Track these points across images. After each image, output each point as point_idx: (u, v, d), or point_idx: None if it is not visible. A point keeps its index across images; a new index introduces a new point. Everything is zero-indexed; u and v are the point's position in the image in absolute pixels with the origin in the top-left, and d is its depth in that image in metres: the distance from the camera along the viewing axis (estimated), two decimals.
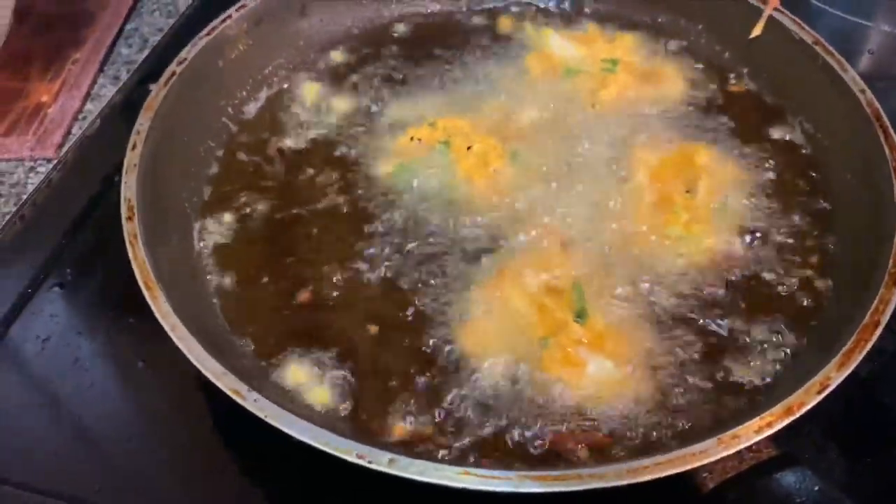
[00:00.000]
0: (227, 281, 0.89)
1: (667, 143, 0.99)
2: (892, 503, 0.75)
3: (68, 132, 1.16)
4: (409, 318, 0.84)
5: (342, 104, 1.07)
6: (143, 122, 0.92)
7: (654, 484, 0.63)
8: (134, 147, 0.90)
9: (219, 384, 0.69)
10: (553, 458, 0.74)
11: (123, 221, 0.82)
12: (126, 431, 0.85)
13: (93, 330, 0.93)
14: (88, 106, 1.21)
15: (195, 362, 0.70)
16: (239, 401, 0.68)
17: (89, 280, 0.98)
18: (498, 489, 0.64)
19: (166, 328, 0.73)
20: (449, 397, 0.78)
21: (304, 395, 0.79)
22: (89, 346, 0.91)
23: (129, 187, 0.86)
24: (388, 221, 0.93)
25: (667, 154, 0.97)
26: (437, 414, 0.77)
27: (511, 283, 0.85)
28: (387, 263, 0.89)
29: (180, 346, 0.72)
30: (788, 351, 0.81)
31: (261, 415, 0.67)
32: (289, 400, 0.78)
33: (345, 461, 0.65)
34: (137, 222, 0.82)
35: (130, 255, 0.79)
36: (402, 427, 0.76)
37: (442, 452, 0.75)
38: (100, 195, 1.05)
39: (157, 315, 0.74)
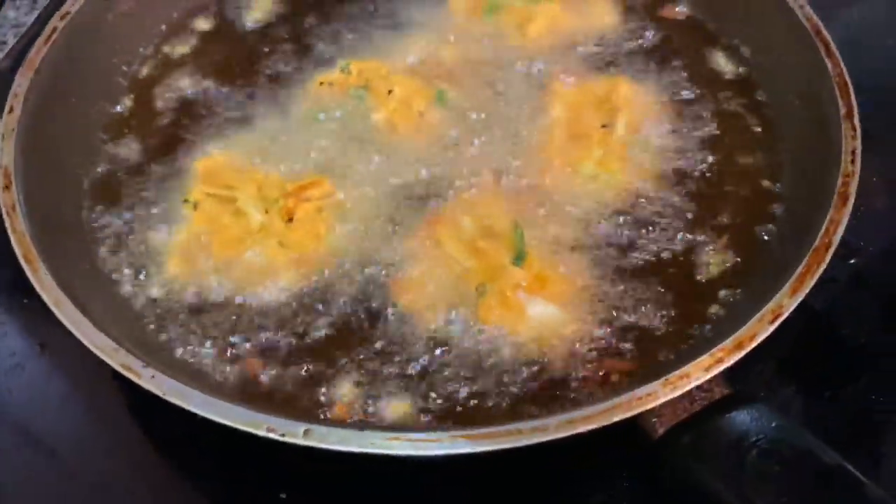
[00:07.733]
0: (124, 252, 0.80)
1: (591, 76, 0.92)
2: (852, 436, 0.71)
3: None
4: (338, 276, 0.77)
5: (246, 56, 0.97)
6: (21, 82, 0.84)
7: (599, 433, 0.58)
8: (11, 110, 0.81)
9: (110, 361, 0.62)
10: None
11: (0, 191, 0.74)
12: (26, 431, 0.77)
13: None
14: None
15: (80, 337, 0.63)
16: (133, 378, 0.61)
17: None
18: (428, 453, 0.58)
19: (49, 303, 0.65)
20: (385, 360, 0.73)
21: (216, 372, 0.72)
22: None
23: (6, 154, 0.78)
24: (301, 173, 0.85)
25: (587, 88, 0.91)
26: (370, 385, 0.71)
27: (444, 229, 0.79)
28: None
29: (63, 320, 0.64)
30: (735, 283, 0.76)
31: (158, 392, 0.60)
32: (197, 377, 0.71)
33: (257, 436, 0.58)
34: (17, 191, 0.75)
35: (8, 226, 0.72)
36: (340, 404, 0.70)
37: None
38: None
39: (39, 289, 0.66)
